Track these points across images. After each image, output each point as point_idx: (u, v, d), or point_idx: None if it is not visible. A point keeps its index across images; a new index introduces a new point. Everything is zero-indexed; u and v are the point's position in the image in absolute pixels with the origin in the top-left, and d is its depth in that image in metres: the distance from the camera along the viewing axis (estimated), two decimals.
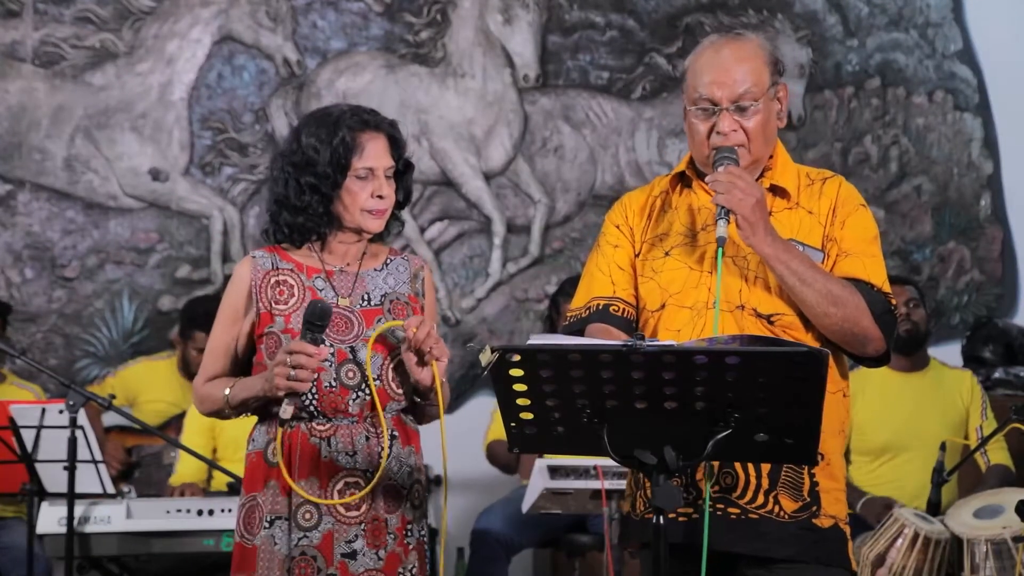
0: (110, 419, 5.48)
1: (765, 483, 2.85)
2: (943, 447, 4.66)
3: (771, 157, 3.00)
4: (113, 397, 4.63)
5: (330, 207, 3.16)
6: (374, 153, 3.14)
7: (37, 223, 6.05)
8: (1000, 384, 6.02)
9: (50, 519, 4.54)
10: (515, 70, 6.42)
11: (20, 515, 5.12)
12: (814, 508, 2.88)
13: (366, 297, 3.20)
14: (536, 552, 5.93)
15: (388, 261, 3.27)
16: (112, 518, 4.55)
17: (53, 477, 4.47)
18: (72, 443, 4.24)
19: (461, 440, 5.96)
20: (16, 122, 6.03)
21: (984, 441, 4.90)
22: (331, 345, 3.13)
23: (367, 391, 3.14)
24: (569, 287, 5.57)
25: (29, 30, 6.05)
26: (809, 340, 2.85)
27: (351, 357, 3.13)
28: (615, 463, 2.67)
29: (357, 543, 3.12)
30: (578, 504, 4.73)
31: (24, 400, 5.03)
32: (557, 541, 5.44)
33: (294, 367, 3.00)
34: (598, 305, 3.03)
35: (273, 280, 3.17)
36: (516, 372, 2.57)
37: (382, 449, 3.15)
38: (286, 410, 3.02)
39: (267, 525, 3.12)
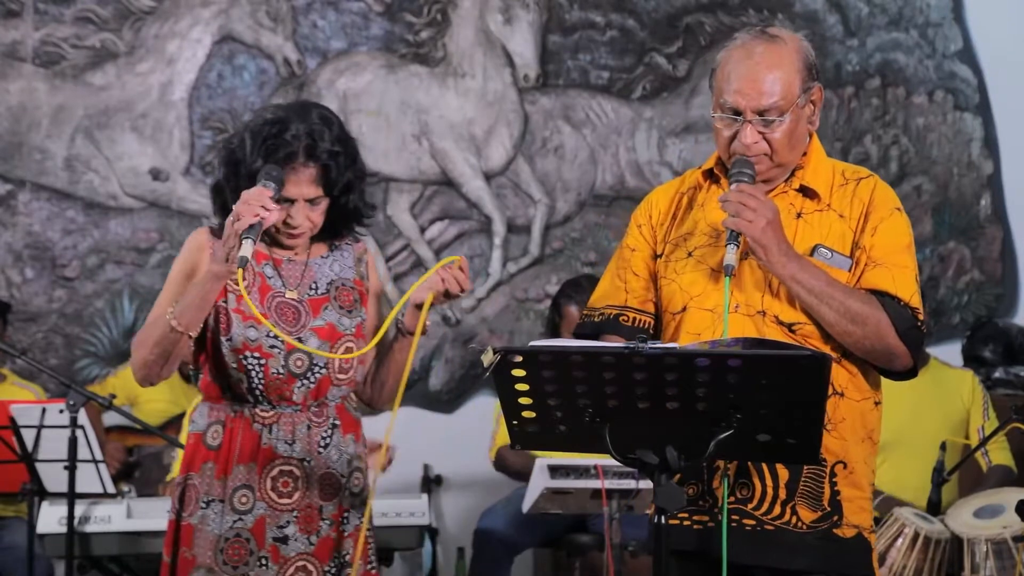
0: (110, 419, 5.48)
1: (783, 494, 2.80)
2: (943, 447, 4.66)
3: (804, 155, 2.92)
4: (113, 397, 4.63)
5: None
6: (294, 186, 3.12)
7: (37, 223, 6.05)
8: (1000, 384, 6.02)
9: (50, 519, 4.54)
10: (515, 70, 6.42)
11: (20, 515, 5.12)
12: (835, 518, 2.82)
13: (313, 286, 3.24)
14: (537, 552, 5.93)
15: (333, 247, 3.30)
16: (112, 518, 4.55)
17: (53, 477, 4.47)
18: (72, 443, 4.24)
19: (461, 440, 6.01)
20: (16, 122, 6.03)
21: (984, 441, 4.90)
22: (276, 336, 3.15)
23: (312, 380, 3.18)
24: (570, 288, 5.57)
25: (29, 30, 6.05)
26: (829, 351, 2.78)
27: (296, 347, 3.16)
28: (615, 462, 2.67)
29: (289, 528, 3.18)
30: (578, 504, 4.74)
31: (24, 400, 5.02)
32: (558, 541, 5.44)
33: (245, 204, 2.98)
34: (610, 314, 3.00)
35: None
36: (518, 372, 2.57)
37: (320, 439, 3.20)
38: (245, 247, 2.96)
39: (203, 505, 3.18)
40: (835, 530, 2.82)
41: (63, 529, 4.35)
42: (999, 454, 5.17)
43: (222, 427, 3.20)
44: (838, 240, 2.86)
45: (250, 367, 3.16)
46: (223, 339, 3.16)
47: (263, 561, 3.16)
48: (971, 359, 6.24)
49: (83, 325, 6.06)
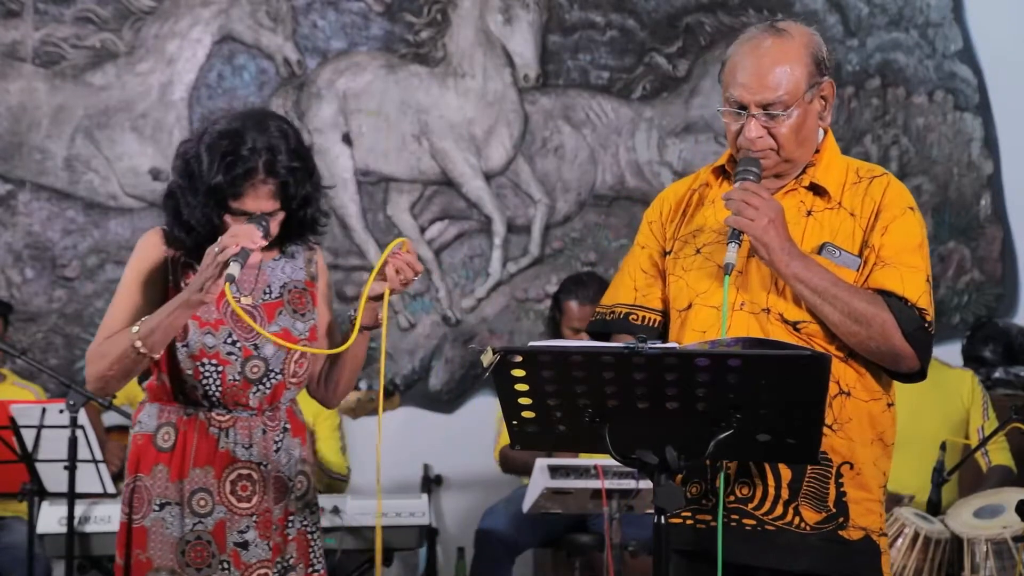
0: (110, 419, 5.48)
1: (785, 494, 2.78)
2: (943, 447, 4.66)
3: (817, 152, 2.90)
4: (113, 397, 4.63)
5: (215, 227, 3.15)
6: (253, 201, 3.11)
7: (37, 223, 6.04)
8: (1000, 384, 6.02)
9: (50, 519, 4.55)
10: (515, 70, 6.42)
11: (20, 515, 5.11)
12: (840, 519, 2.80)
13: (267, 290, 3.23)
14: (537, 552, 5.93)
15: (284, 248, 3.28)
16: (112, 518, 4.55)
17: (53, 477, 4.47)
18: (72, 443, 4.24)
19: (461, 440, 6.01)
20: (16, 122, 6.03)
21: (984, 441, 4.89)
22: (236, 340, 3.16)
23: (268, 385, 3.18)
24: (571, 284, 5.58)
25: (29, 30, 6.05)
26: (833, 350, 2.77)
27: (256, 353, 3.17)
28: (615, 462, 2.66)
29: (249, 534, 3.18)
30: (578, 504, 4.74)
31: (24, 400, 5.02)
32: (558, 541, 5.44)
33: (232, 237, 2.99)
34: (621, 313, 3.00)
35: (183, 261, 3.19)
36: (518, 372, 2.56)
37: (274, 442, 3.21)
38: (233, 268, 2.96)
39: (157, 508, 3.17)
40: (840, 532, 2.80)
41: (63, 529, 4.36)
42: (999, 454, 5.17)
43: (174, 429, 3.19)
44: (848, 239, 2.84)
45: (207, 374, 3.15)
46: (179, 345, 3.14)
47: (224, 565, 3.16)
48: (971, 359, 6.24)
49: (83, 325, 6.05)
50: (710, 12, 6.58)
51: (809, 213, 2.86)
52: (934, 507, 4.56)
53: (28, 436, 4.47)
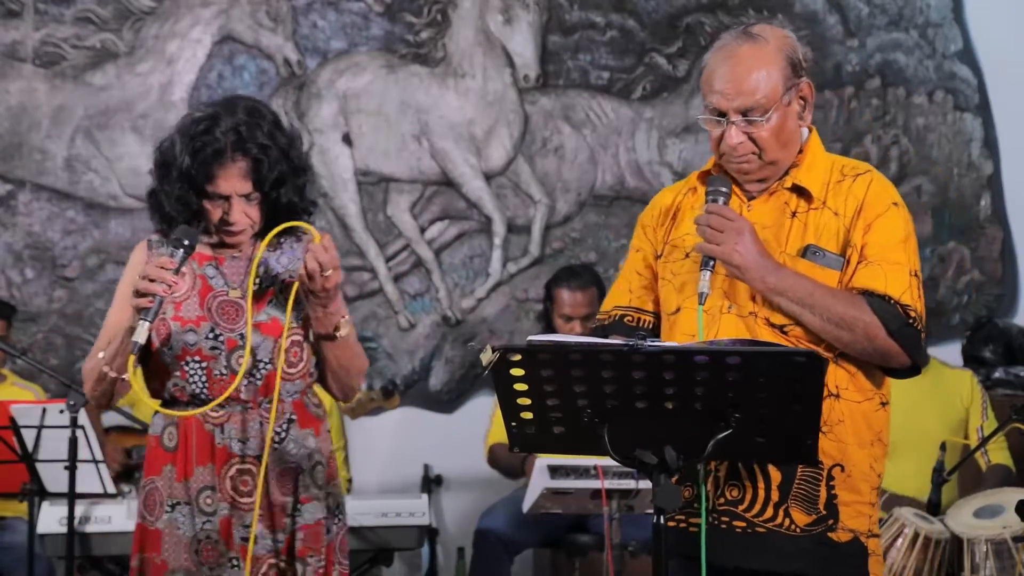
0: (110, 419, 5.48)
1: (775, 496, 2.80)
2: (943, 447, 4.66)
3: (800, 152, 2.91)
4: None
5: (198, 213, 3.16)
6: (225, 182, 3.11)
7: (38, 223, 6.05)
8: (1000, 384, 6.02)
9: (51, 519, 4.55)
10: (515, 70, 6.42)
11: (21, 515, 5.12)
12: (830, 521, 2.81)
13: (257, 282, 3.20)
14: (537, 552, 5.93)
15: (281, 241, 3.26)
16: (113, 518, 4.56)
17: (54, 477, 4.47)
18: (73, 443, 4.24)
19: (461, 440, 6.01)
20: (16, 122, 6.04)
21: (984, 441, 4.89)
22: (219, 334, 3.14)
23: (258, 377, 3.16)
24: (562, 273, 5.62)
25: (30, 30, 6.05)
26: (822, 351, 2.78)
27: (241, 344, 3.15)
28: (615, 463, 2.67)
29: (255, 527, 3.15)
30: (578, 504, 4.74)
31: (25, 400, 5.03)
32: (558, 541, 5.44)
33: (147, 279, 2.98)
34: (616, 315, 3.02)
35: None
36: (517, 372, 2.57)
37: (275, 436, 3.18)
38: (139, 333, 2.96)
39: (169, 509, 3.18)
40: (830, 534, 2.81)
41: (63, 529, 4.36)
42: (999, 454, 5.17)
43: (176, 428, 3.19)
44: (832, 238, 2.85)
45: (192, 372, 3.15)
46: (163, 349, 3.15)
47: (234, 562, 3.15)
48: (971, 359, 6.24)
49: (83, 325, 6.06)
50: (710, 12, 6.58)
51: (794, 214, 2.88)
52: (934, 507, 4.56)
53: (28, 436, 4.47)
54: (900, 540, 4.42)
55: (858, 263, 2.83)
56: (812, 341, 2.80)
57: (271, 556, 3.17)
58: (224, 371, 3.15)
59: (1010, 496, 4.43)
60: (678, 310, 2.91)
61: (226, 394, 3.10)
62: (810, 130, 2.94)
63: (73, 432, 4.24)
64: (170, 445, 3.19)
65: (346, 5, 6.32)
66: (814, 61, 6.70)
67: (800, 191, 2.89)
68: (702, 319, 2.78)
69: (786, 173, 2.90)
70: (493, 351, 2.54)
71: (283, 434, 3.20)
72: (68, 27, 6.08)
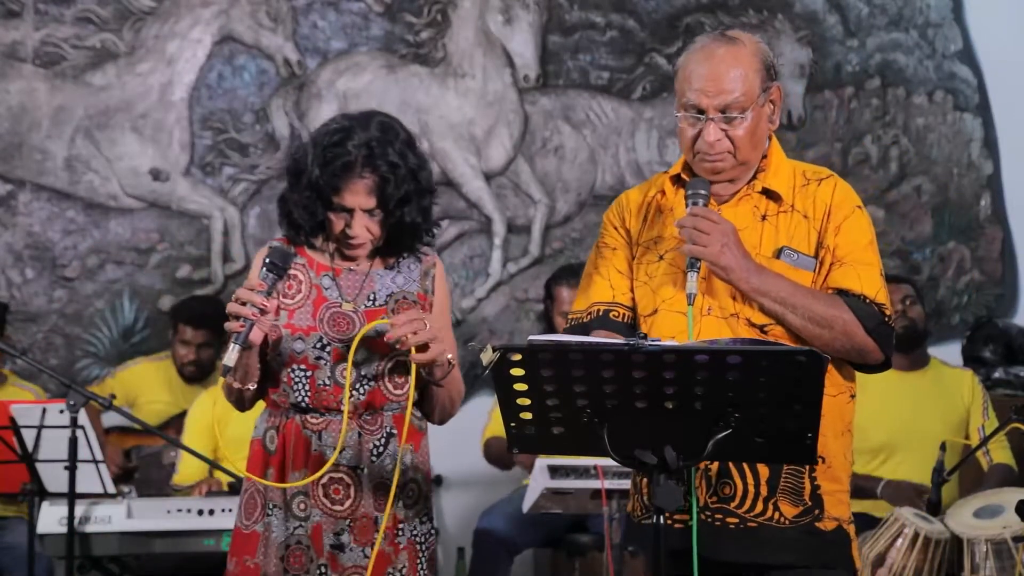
0: (109, 419, 5.48)
1: (764, 490, 2.86)
2: (943, 447, 4.66)
3: (764, 157, 2.98)
4: (113, 397, 4.64)
5: (323, 223, 3.18)
6: (351, 196, 3.12)
7: (38, 223, 6.05)
8: (1000, 384, 6.03)
9: (51, 519, 4.54)
10: (515, 70, 6.42)
11: (21, 515, 5.12)
12: (816, 512, 2.89)
13: (372, 297, 3.21)
14: (536, 552, 5.93)
15: (400, 259, 3.27)
16: (113, 518, 4.55)
17: (54, 477, 4.47)
18: (73, 443, 4.24)
19: (461, 440, 5.99)
20: (17, 122, 6.04)
21: (984, 441, 4.90)
22: (327, 344, 3.14)
23: (362, 392, 3.16)
24: (563, 272, 5.62)
25: (30, 30, 6.05)
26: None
27: (345, 356, 3.14)
28: (615, 463, 2.68)
29: (344, 537, 3.15)
30: (578, 504, 4.74)
31: (25, 400, 5.02)
32: (558, 541, 5.44)
33: (239, 302, 3.01)
34: (599, 311, 3.03)
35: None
36: (517, 371, 2.57)
37: (372, 447, 3.18)
38: (230, 356, 2.99)
39: (268, 513, 3.17)
40: (817, 523, 2.89)
41: (63, 529, 4.36)
42: (999, 454, 5.17)
43: (277, 432, 3.19)
44: (803, 241, 2.93)
45: (297, 379, 3.15)
46: (273, 355, 3.16)
47: (322, 569, 3.14)
48: (971, 359, 6.24)
49: (83, 325, 6.06)
50: (710, 12, 6.58)
51: (764, 218, 2.94)
52: (934, 507, 4.56)
53: (28, 436, 4.47)
54: (900, 540, 4.42)
55: (832, 264, 2.91)
56: (792, 340, 2.86)
57: (356, 569, 3.14)
58: (327, 382, 3.14)
59: (1010, 496, 4.43)
60: (655, 312, 2.95)
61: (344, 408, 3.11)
62: (770, 137, 3.02)
63: (73, 432, 4.25)
64: (272, 448, 3.18)
65: (346, 5, 6.32)
66: (814, 61, 6.71)
67: (769, 194, 2.96)
68: (692, 320, 2.83)
69: (754, 177, 2.97)
70: (493, 351, 2.54)
71: (381, 448, 3.18)
72: (68, 27, 6.08)
